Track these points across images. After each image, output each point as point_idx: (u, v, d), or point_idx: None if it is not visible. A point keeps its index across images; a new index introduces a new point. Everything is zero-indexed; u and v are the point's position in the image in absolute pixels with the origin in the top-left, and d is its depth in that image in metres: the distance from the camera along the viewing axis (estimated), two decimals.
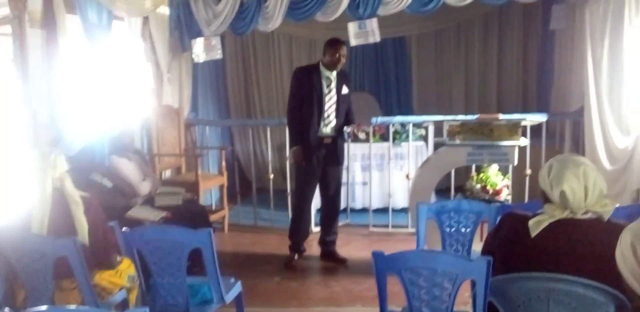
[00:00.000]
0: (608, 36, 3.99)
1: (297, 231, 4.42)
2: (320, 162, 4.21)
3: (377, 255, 1.94)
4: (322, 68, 4.16)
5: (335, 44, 4.12)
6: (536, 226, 1.80)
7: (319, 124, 4.16)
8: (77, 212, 2.55)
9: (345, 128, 4.29)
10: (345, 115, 4.27)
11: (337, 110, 4.20)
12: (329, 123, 4.20)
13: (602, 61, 4.06)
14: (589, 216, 1.82)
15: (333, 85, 4.17)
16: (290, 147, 4.31)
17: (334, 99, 4.18)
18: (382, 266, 1.95)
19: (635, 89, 3.88)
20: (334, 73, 4.17)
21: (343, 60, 4.13)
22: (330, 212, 4.41)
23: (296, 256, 4.40)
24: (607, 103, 4.09)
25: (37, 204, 2.52)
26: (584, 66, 4.38)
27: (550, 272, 1.74)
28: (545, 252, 1.80)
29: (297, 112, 4.17)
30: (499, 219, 2.01)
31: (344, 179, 4.55)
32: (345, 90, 4.22)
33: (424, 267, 1.89)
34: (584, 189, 1.79)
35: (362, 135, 4.55)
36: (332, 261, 4.37)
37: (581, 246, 1.77)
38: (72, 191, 2.60)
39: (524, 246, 1.84)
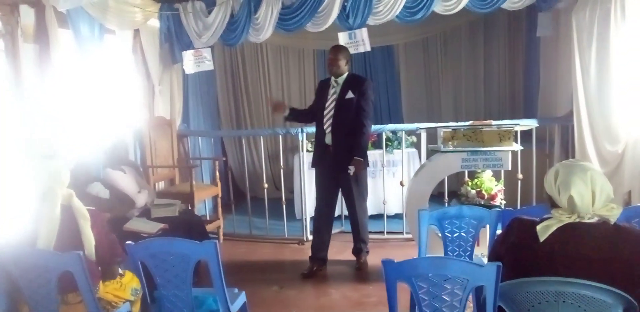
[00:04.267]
0: (595, 42, 4.03)
1: (314, 239, 4.43)
2: (328, 169, 4.18)
3: (387, 263, 1.94)
4: (332, 77, 4.22)
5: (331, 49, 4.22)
6: (544, 230, 1.83)
7: (323, 130, 4.18)
8: (85, 227, 2.55)
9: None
10: (355, 128, 4.07)
11: (336, 115, 4.10)
12: (328, 128, 4.14)
13: (590, 67, 4.10)
14: (595, 219, 1.86)
15: (335, 90, 4.14)
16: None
17: (333, 104, 4.13)
18: (392, 274, 1.95)
19: (623, 93, 3.93)
20: (340, 79, 4.15)
21: (334, 63, 4.12)
22: (351, 220, 4.36)
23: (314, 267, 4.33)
24: (596, 107, 4.14)
25: (46, 220, 2.51)
26: (570, 72, 4.43)
27: (559, 276, 1.77)
28: (553, 256, 1.82)
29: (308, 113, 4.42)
30: (506, 224, 2.03)
31: None
32: (349, 94, 4.08)
33: (435, 274, 1.91)
34: (591, 194, 1.83)
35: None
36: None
37: (589, 249, 1.80)
38: (80, 206, 2.61)
39: (532, 251, 1.86)
